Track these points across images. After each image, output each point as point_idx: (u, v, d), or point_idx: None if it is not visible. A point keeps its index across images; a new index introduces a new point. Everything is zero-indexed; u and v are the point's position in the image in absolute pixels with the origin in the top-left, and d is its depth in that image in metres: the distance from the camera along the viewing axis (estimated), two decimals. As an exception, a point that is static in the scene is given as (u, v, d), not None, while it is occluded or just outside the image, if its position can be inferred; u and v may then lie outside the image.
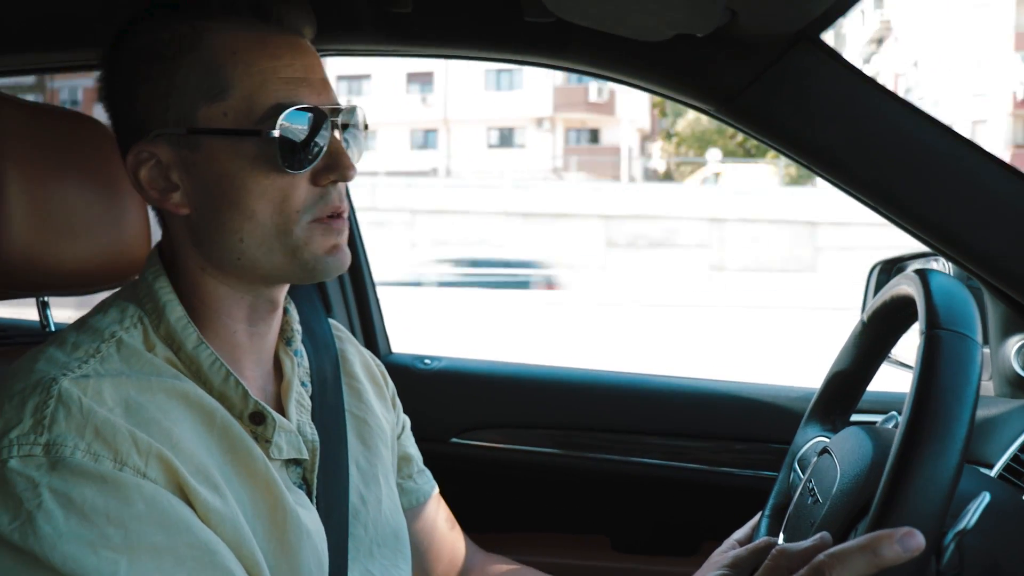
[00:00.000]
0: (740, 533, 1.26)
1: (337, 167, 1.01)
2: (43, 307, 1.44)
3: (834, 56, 1.32)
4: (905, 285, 1.04)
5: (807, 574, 0.81)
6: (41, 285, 1.25)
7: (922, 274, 0.97)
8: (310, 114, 0.98)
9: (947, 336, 0.88)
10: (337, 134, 1.02)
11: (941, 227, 1.33)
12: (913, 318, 1.13)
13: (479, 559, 1.44)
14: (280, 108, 0.97)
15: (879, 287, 1.76)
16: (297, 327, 1.17)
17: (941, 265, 1.68)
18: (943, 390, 0.84)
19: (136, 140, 1.01)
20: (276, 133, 0.96)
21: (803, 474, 1.19)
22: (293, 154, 0.97)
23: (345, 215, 1.04)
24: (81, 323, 1.02)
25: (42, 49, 1.64)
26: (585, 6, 1.20)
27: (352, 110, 1.06)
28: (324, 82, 1.03)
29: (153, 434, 0.90)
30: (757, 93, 1.35)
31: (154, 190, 1.02)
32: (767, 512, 1.24)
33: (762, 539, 1.18)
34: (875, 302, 1.18)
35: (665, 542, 1.98)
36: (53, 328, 1.44)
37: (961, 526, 0.87)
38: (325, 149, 1.00)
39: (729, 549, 1.21)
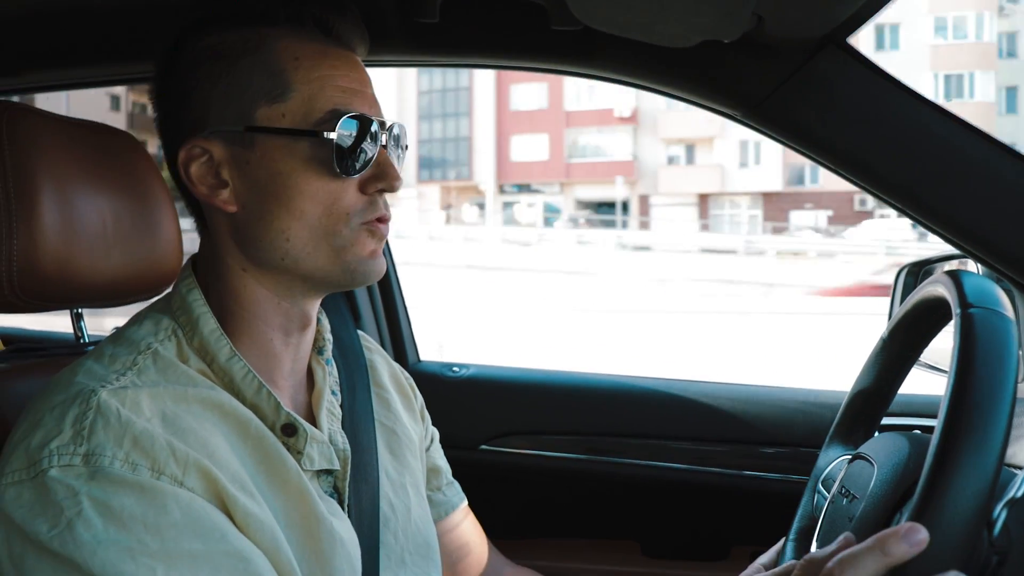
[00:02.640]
0: (765, 558, 1.25)
1: (385, 177, 1.05)
2: (77, 319, 1.46)
3: (861, 59, 1.32)
4: (932, 287, 1.04)
5: None
6: (75, 298, 1.26)
7: (952, 273, 0.97)
8: (362, 121, 1.02)
9: (982, 313, 0.87)
10: (385, 146, 1.06)
11: (971, 229, 1.33)
12: (941, 323, 1.13)
13: (507, 571, 1.44)
14: (337, 114, 1.01)
15: (907, 290, 1.75)
16: (328, 336, 1.19)
17: (971, 268, 1.67)
18: (983, 363, 0.83)
19: (189, 137, 1.04)
20: (332, 136, 1.00)
21: (828, 494, 1.18)
22: (345, 158, 1.01)
23: (388, 223, 1.07)
24: (117, 336, 1.04)
25: (101, 63, 1.67)
26: (612, 14, 1.21)
27: (397, 127, 1.09)
28: (375, 98, 1.08)
29: (190, 443, 0.92)
30: (784, 98, 1.35)
31: (204, 186, 1.04)
32: (792, 536, 1.23)
33: (788, 563, 1.17)
34: (898, 314, 1.17)
35: (695, 547, 1.98)
36: (87, 339, 1.46)
37: (1010, 495, 0.86)
38: (374, 159, 1.04)
39: (755, 573, 1.21)
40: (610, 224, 44.00)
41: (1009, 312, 0.88)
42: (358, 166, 1.02)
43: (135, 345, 1.00)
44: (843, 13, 1.22)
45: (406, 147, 1.14)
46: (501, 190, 48.38)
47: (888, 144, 1.32)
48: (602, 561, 1.98)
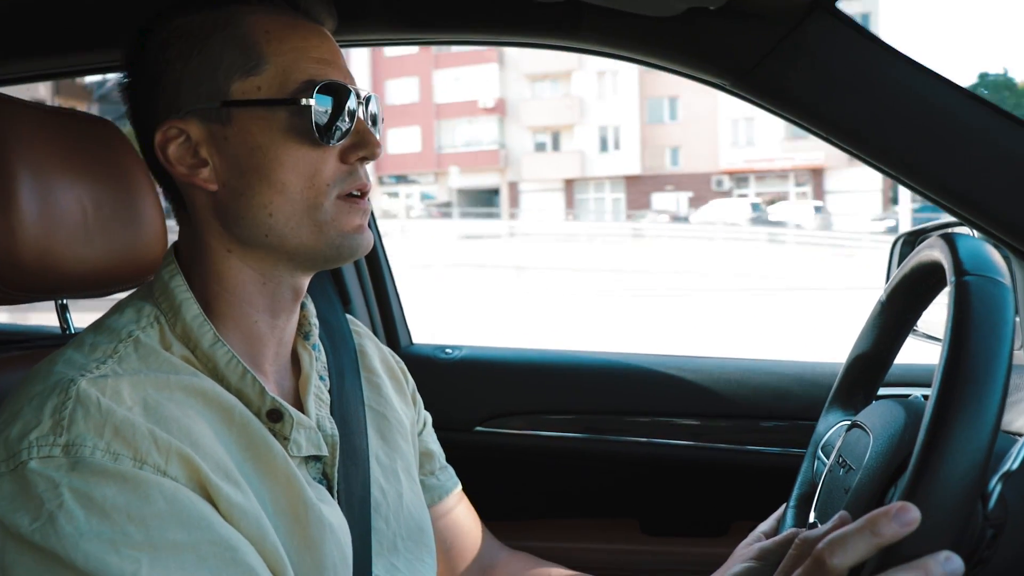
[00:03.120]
0: (766, 525, 1.24)
1: (365, 144, 1.04)
2: (62, 310, 1.44)
3: (851, 24, 1.29)
4: (928, 251, 1.02)
5: (809, 565, 0.80)
6: (58, 288, 1.24)
7: (947, 235, 0.95)
8: (340, 90, 1.02)
9: (977, 281, 0.85)
10: (362, 115, 1.05)
11: (968, 196, 1.31)
12: (938, 287, 1.11)
13: (503, 556, 1.43)
14: (312, 84, 1.00)
15: (903, 259, 1.73)
16: (314, 321, 1.17)
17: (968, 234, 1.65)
18: (978, 333, 0.81)
19: (164, 118, 1.02)
20: (311, 103, 0.99)
21: (827, 459, 1.17)
22: (323, 127, 1.00)
23: (369, 196, 1.06)
24: (98, 324, 1.02)
25: (63, 52, 1.64)
26: None
27: (371, 97, 1.08)
28: (347, 69, 1.07)
29: (173, 432, 0.90)
30: (772, 66, 1.32)
31: (183, 166, 1.03)
32: (792, 503, 1.22)
33: (789, 530, 1.16)
34: (895, 277, 1.15)
35: (694, 523, 1.97)
36: (73, 331, 1.44)
37: (1005, 468, 0.85)
38: (352, 127, 1.03)
39: (755, 541, 1.19)
40: (486, 214, 45.19)
41: (1006, 279, 0.86)
42: (337, 134, 1.02)
43: (116, 333, 0.98)
44: (831, -24, 1.19)
45: (382, 119, 1.13)
46: (380, 181, 49.57)
47: (881, 110, 1.30)
48: (601, 540, 1.97)
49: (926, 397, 1.52)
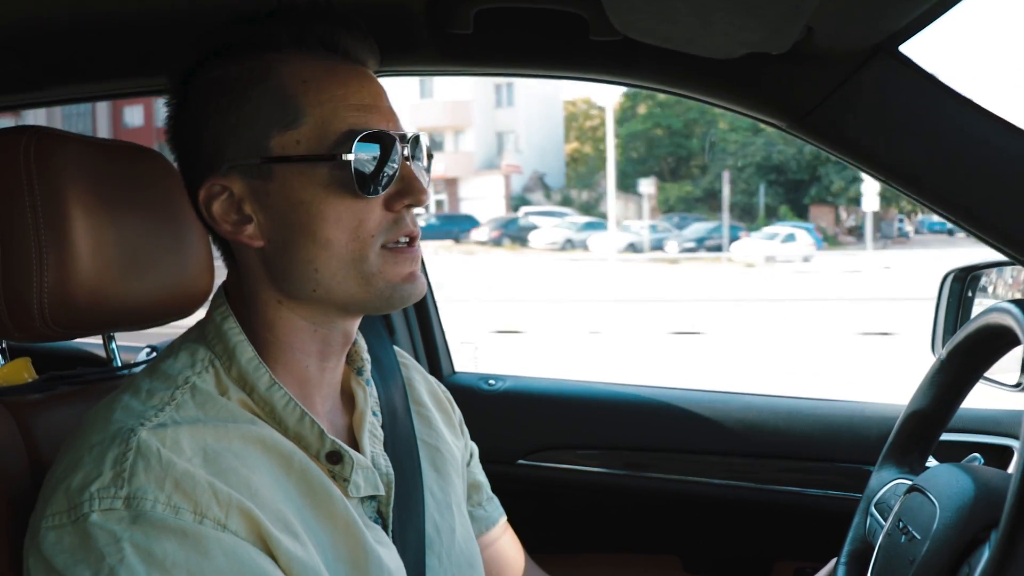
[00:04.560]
0: None
1: (410, 191, 1.01)
2: (108, 342, 1.44)
3: (913, 68, 1.27)
4: (998, 315, 1.00)
5: None
6: (108, 323, 1.24)
7: (1021, 303, 0.94)
8: (381, 138, 0.98)
9: None
10: (407, 160, 1.02)
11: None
12: (1004, 350, 1.09)
13: None
14: (353, 134, 0.97)
15: (952, 296, 1.71)
16: (366, 356, 1.16)
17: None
18: None
19: (207, 175, 1.01)
20: (351, 157, 0.96)
21: (882, 519, 1.15)
22: (366, 178, 0.97)
23: (418, 241, 1.04)
24: (153, 368, 1.01)
25: (110, 78, 1.65)
26: (654, 26, 1.17)
27: (417, 138, 1.05)
28: (391, 110, 1.04)
29: (232, 483, 0.89)
30: (832, 109, 1.30)
31: (227, 223, 1.01)
32: (843, 559, 1.20)
33: None
34: (958, 337, 1.14)
35: (737, 563, 1.94)
36: (119, 362, 1.44)
37: None
38: (397, 174, 1.00)
39: None
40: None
41: None
42: (381, 184, 0.99)
43: (172, 379, 0.98)
44: (897, 22, 1.18)
45: (431, 156, 1.10)
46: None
47: (941, 155, 1.28)
48: (642, 575, 1.95)
49: (980, 447, 1.49)
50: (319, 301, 1.01)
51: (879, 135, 1.30)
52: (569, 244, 30.19)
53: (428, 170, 1.08)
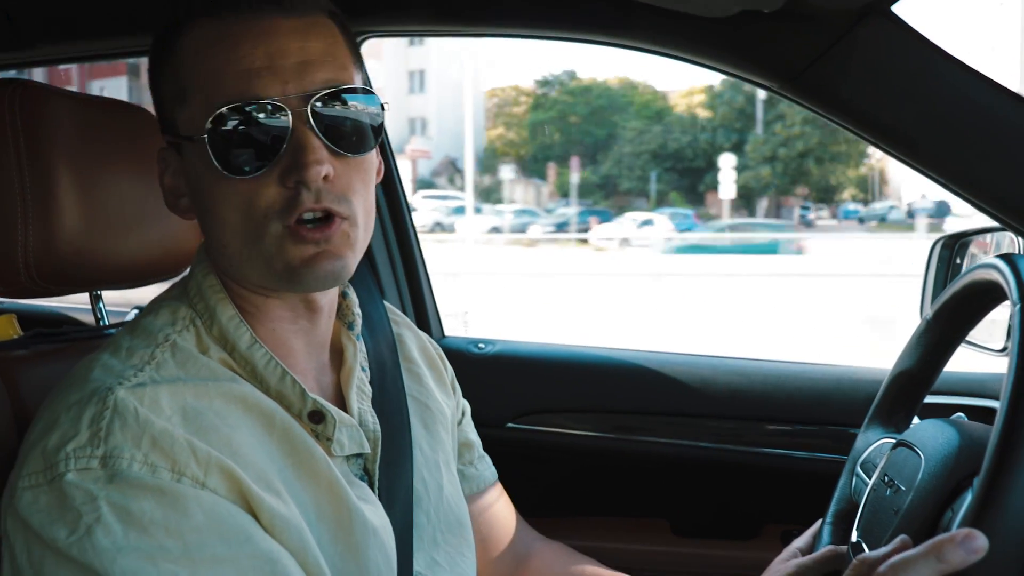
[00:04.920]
0: (801, 541, 1.23)
1: (295, 166, 0.92)
2: (95, 301, 1.43)
3: (906, 29, 1.26)
4: (984, 271, 1.00)
5: None
6: (94, 280, 1.24)
7: (1008, 257, 0.94)
8: (248, 110, 0.91)
9: None
10: (307, 128, 0.93)
11: (1019, 204, 1.28)
12: (990, 306, 1.09)
13: (537, 546, 1.42)
14: (225, 104, 0.92)
15: (941, 263, 1.71)
16: (357, 311, 1.15)
17: (1010, 241, 1.62)
18: None
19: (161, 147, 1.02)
20: (204, 136, 0.92)
21: (868, 478, 1.16)
22: (227, 157, 0.92)
23: (333, 218, 0.95)
24: (133, 326, 1.00)
25: (89, 38, 1.64)
26: None
27: (332, 95, 0.95)
28: (300, 66, 0.94)
29: (212, 442, 0.89)
30: (823, 69, 1.30)
31: (172, 195, 1.02)
32: (829, 519, 1.21)
33: (826, 548, 1.15)
34: (944, 295, 1.14)
35: (725, 526, 1.95)
36: (106, 322, 1.43)
37: None
38: (286, 145, 0.92)
39: (791, 557, 1.18)
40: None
41: None
42: (254, 159, 0.92)
43: (153, 337, 0.97)
44: (890, -20, 1.17)
45: (383, 107, 1.01)
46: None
47: (933, 116, 1.28)
48: (631, 540, 1.96)
49: (966, 409, 1.50)
50: (239, 278, 1.00)
51: (871, 97, 1.30)
52: (438, 227, 30.83)
53: (366, 127, 0.99)
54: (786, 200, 35.38)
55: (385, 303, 1.30)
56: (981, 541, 0.74)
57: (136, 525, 0.82)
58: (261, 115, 0.92)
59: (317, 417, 0.99)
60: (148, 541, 0.82)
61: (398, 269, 2.11)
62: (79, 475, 0.83)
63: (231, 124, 0.91)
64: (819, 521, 1.24)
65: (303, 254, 0.94)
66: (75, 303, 2.50)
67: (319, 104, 0.93)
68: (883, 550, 0.84)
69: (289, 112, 0.92)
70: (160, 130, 1.02)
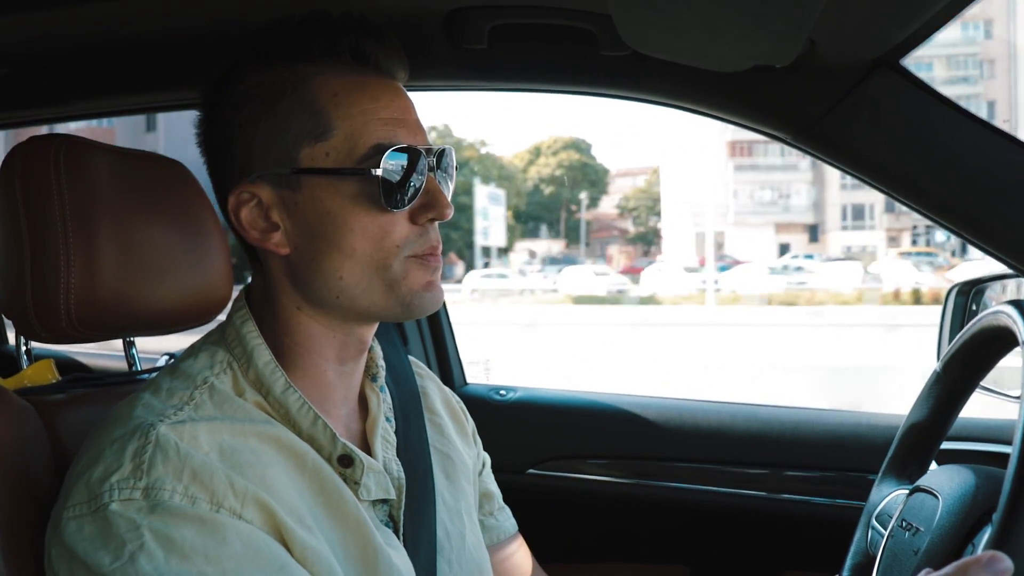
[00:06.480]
0: None
1: (435, 205, 1.03)
2: (128, 347, 1.47)
3: (914, 81, 1.30)
4: (994, 317, 1.02)
5: None
6: (129, 326, 1.27)
7: (1018, 303, 0.96)
8: (408, 153, 1.00)
9: None
10: (432, 174, 1.04)
11: None
12: (1001, 353, 1.10)
13: None
14: (381, 148, 0.99)
15: (957, 310, 1.72)
16: (381, 363, 1.18)
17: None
18: None
19: (237, 182, 1.03)
20: (378, 172, 0.98)
21: (884, 530, 1.16)
22: (393, 192, 0.99)
23: (439, 253, 1.05)
24: (173, 369, 1.04)
25: (144, 91, 1.69)
26: (663, 39, 1.20)
27: (444, 152, 1.07)
28: (418, 124, 1.06)
29: (248, 477, 0.92)
30: (835, 121, 1.33)
31: (255, 230, 1.04)
32: (846, 574, 1.21)
33: None
34: (953, 346, 1.15)
35: (745, 571, 1.95)
36: (139, 366, 1.46)
37: None
38: (422, 188, 1.02)
39: None
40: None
41: None
42: (407, 198, 1.01)
43: (191, 379, 1.01)
44: (897, 35, 1.21)
45: (456, 169, 1.12)
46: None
47: (942, 166, 1.30)
48: None
49: (981, 455, 1.51)
50: (341, 308, 1.04)
51: (882, 147, 1.33)
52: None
53: (450, 184, 1.10)
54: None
55: (410, 357, 1.34)
56: (1007, 563, 0.74)
57: (177, 552, 0.85)
58: (415, 159, 1.01)
59: (346, 461, 1.03)
60: (189, 567, 0.85)
61: (421, 319, 2.14)
62: (123, 505, 0.87)
63: (393, 163, 0.99)
64: None
65: (424, 279, 1.03)
66: (86, 350, 2.57)
67: (437, 157, 1.06)
68: None
69: (427, 161, 1.03)
70: (242, 164, 1.04)
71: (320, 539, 0.95)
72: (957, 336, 1.15)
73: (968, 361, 1.14)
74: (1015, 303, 0.96)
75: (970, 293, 1.78)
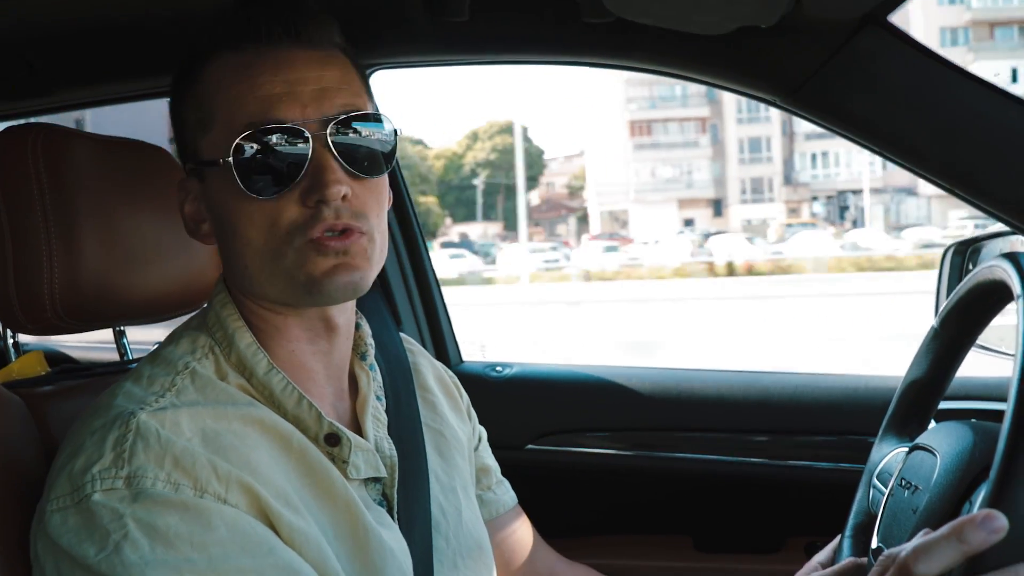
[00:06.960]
0: (822, 555, 1.22)
1: (317, 185, 0.96)
2: (119, 336, 1.46)
3: (903, 38, 1.28)
4: (988, 271, 1.01)
5: (895, 572, 0.78)
6: (117, 315, 1.26)
7: (1012, 255, 0.94)
8: (269, 133, 0.96)
9: None
10: (327, 149, 0.97)
11: (1022, 206, 1.29)
12: (998, 307, 1.09)
13: (560, 568, 1.43)
14: (248, 129, 0.96)
15: (953, 269, 1.71)
16: (370, 341, 1.17)
17: (1022, 243, 1.63)
18: None
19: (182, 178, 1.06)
20: (230, 160, 0.96)
21: (884, 488, 1.15)
22: (250, 177, 0.96)
23: (352, 231, 0.98)
24: (154, 355, 1.03)
25: (116, 80, 1.67)
26: (646, 5, 1.19)
27: (350, 120, 1.00)
28: (318, 93, 0.99)
29: (232, 461, 0.91)
30: (824, 81, 1.31)
31: (192, 222, 1.06)
32: (848, 532, 1.20)
33: (847, 560, 1.14)
34: (949, 302, 1.14)
35: (749, 539, 1.95)
36: (131, 355, 1.46)
37: None
38: (306, 167, 0.96)
39: (812, 571, 1.18)
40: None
41: None
42: (274, 183, 0.96)
43: (173, 365, 1.00)
44: (883, -10, 1.19)
45: (395, 133, 1.05)
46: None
47: (934, 123, 1.29)
48: (655, 557, 1.95)
49: (980, 413, 1.50)
50: (264, 296, 1.03)
51: (872, 106, 1.31)
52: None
53: (379, 150, 1.03)
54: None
55: (401, 334, 1.32)
56: (1001, 521, 0.73)
57: (162, 540, 0.85)
58: (282, 138, 0.96)
59: (333, 440, 1.02)
60: (174, 555, 0.84)
61: (414, 297, 2.12)
62: (105, 495, 0.86)
63: (254, 147, 0.96)
64: (839, 536, 1.23)
65: (324, 265, 0.97)
66: (72, 342, 2.56)
67: (336, 128, 0.98)
68: (907, 546, 0.85)
69: (309, 135, 0.96)
70: (181, 159, 1.06)
71: (308, 520, 0.94)
72: (954, 292, 1.13)
73: (964, 316, 1.13)
74: (1009, 256, 0.94)
75: (966, 252, 1.77)
